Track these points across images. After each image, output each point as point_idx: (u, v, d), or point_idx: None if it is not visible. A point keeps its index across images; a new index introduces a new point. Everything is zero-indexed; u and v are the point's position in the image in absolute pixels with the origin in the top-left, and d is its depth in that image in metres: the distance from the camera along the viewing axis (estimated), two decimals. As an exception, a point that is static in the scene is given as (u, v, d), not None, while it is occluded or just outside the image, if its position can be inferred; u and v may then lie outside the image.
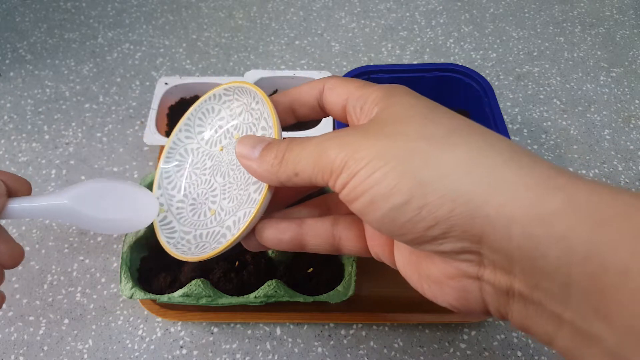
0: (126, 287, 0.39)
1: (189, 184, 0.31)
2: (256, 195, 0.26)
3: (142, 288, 0.40)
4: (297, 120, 0.27)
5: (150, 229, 0.43)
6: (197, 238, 0.29)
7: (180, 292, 0.39)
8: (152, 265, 0.43)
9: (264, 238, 0.26)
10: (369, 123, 0.21)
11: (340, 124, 0.46)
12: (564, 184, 0.17)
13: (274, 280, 0.40)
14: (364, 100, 0.23)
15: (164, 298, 0.39)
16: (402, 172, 0.18)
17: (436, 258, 0.20)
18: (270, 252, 0.43)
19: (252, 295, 0.39)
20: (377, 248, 0.24)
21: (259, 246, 0.27)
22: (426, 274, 0.21)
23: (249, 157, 0.23)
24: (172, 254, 0.29)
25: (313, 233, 0.25)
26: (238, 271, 0.42)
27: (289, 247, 0.26)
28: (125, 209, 0.31)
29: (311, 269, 0.42)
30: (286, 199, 0.29)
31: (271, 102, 0.26)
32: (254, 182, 0.27)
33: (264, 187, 0.25)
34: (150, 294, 0.39)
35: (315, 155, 0.21)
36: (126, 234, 0.42)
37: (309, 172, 0.21)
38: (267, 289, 0.39)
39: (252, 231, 0.26)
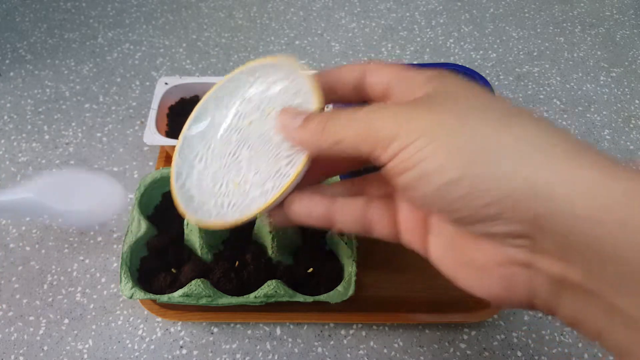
0: (126, 287, 0.39)
1: (211, 155, 0.30)
2: (288, 169, 0.25)
3: (142, 288, 0.40)
4: (332, 101, 0.27)
5: (151, 230, 0.43)
6: (218, 207, 0.28)
7: (180, 292, 0.39)
8: (152, 266, 0.43)
9: (293, 210, 0.25)
10: (422, 97, 0.20)
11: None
12: (626, 172, 0.16)
13: (273, 280, 0.40)
14: (411, 80, 0.22)
15: (164, 298, 0.39)
16: (460, 147, 0.18)
17: (484, 242, 0.19)
18: (270, 252, 0.43)
19: (252, 295, 0.39)
20: (409, 234, 0.24)
21: (285, 220, 0.26)
22: (469, 260, 0.20)
23: (291, 125, 0.23)
24: (191, 220, 0.28)
25: (344, 211, 0.24)
26: (238, 271, 0.42)
27: (317, 222, 0.25)
28: (91, 199, 0.30)
29: (311, 269, 0.42)
30: (318, 179, 0.28)
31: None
32: (286, 156, 0.26)
33: (299, 161, 0.24)
34: (150, 294, 0.39)
35: (363, 124, 0.20)
36: (126, 234, 0.42)
37: (353, 140, 0.20)
38: (267, 289, 0.39)
39: (280, 204, 0.26)
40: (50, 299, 0.46)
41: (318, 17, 0.73)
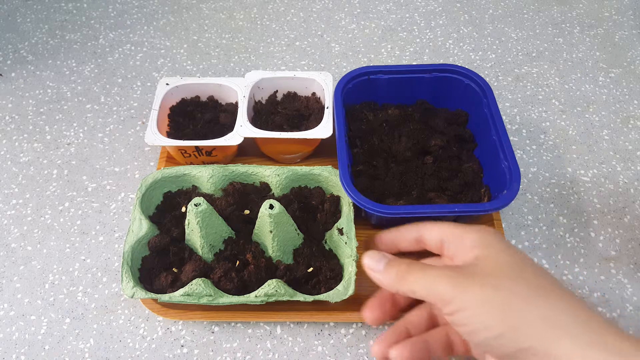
0: (127, 286, 0.39)
1: None
2: None
3: (144, 287, 0.40)
4: (399, 250, 0.34)
5: (152, 229, 0.44)
6: None
7: (181, 291, 0.39)
8: (154, 265, 0.43)
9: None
10: (471, 266, 0.29)
11: (340, 122, 0.46)
12: (632, 353, 0.23)
13: (274, 280, 0.40)
14: (459, 240, 0.30)
15: (165, 297, 0.39)
16: (496, 316, 0.26)
17: None
18: (270, 251, 0.43)
19: (252, 294, 0.40)
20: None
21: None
22: None
23: (375, 269, 0.31)
24: None
25: (436, 345, 0.32)
26: (239, 271, 0.42)
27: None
28: None
29: (311, 268, 0.42)
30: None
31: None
32: None
33: None
34: (152, 294, 0.40)
35: (430, 285, 0.28)
36: (127, 234, 0.43)
37: (423, 294, 0.29)
38: (268, 288, 0.39)
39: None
40: (51, 299, 0.46)
41: (318, 18, 0.74)
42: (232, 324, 0.44)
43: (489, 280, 0.27)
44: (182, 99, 0.54)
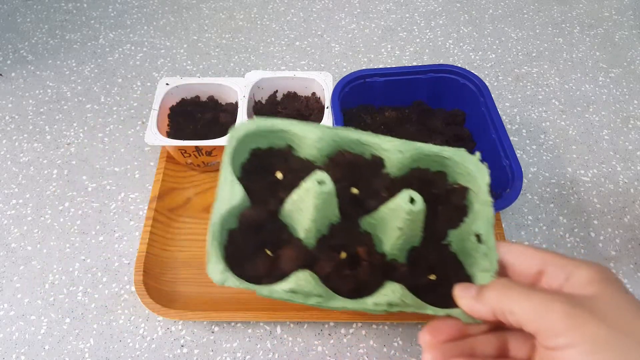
0: (216, 269, 0.29)
1: None
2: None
3: (232, 271, 0.30)
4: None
5: (245, 198, 0.32)
6: None
7: (285, 286, 0.29)
8: (243, 243, 0.32)
9: None
10: (590, 302, 0.24)
11: (337, 119, 0.46)
12: None
13: (397, 285, 0.30)
14: (569, 272, 0.25)
15: (264, 291, 0.29)
16: None
17: None
18: (389, 247, 0.33)
19: (370, 301, 0.30)
20: None
21: None
22: None
23: (467, 293, 0.28)
24: None
25: None
26: (352, 267, 0.32)
27: None
28: None
29: (434, 276, 0.33)
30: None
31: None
32: None
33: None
34: (247, 283, 0.29)
35: (538, 308, 0.23)
36: (216, 201, 0.31)
37: (527, 317, 0.24)
38: (392, 296, 0.30)
39: None
40: (51, 299, 0.46)
41: (318, 18, 0.74)
42: (232, 324, 0.44)
43: (611, 320, 0.22)
44: (182, 99, 0.54)
